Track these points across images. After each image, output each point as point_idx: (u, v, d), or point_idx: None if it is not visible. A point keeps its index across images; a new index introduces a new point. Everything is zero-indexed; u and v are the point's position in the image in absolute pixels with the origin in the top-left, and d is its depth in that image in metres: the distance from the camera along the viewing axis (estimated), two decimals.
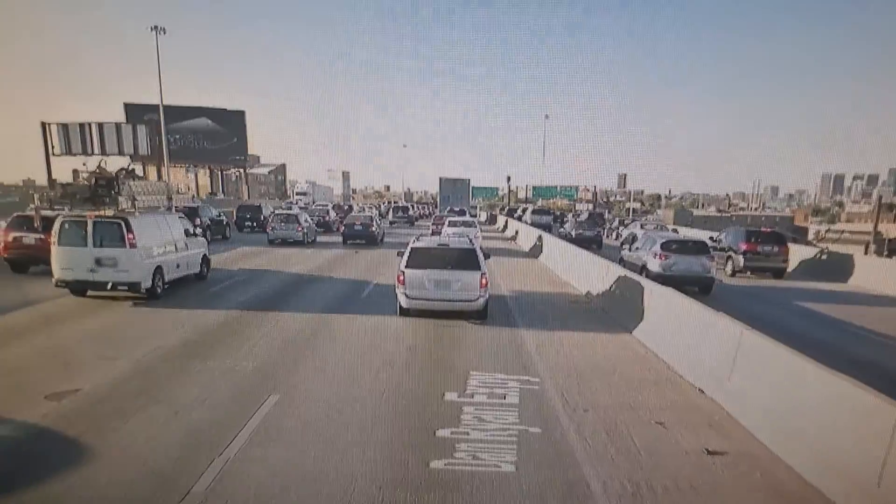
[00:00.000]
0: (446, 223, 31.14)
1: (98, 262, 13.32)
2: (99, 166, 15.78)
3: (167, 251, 14.88)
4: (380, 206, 73.23)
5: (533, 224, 41.37)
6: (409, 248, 13.24)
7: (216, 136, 65.65)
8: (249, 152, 72.52)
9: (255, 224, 35.65)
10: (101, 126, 50.95)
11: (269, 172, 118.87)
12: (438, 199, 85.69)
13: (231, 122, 66.31)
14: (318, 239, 32.04)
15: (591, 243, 32.20)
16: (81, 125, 50.51)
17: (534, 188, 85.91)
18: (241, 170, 76.14)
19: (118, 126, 52.00)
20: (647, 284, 12.83)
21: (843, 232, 64.03)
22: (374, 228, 30.74)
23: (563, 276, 20.58)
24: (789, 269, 23.93)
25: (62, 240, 13.40)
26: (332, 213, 41.72)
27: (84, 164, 17.55)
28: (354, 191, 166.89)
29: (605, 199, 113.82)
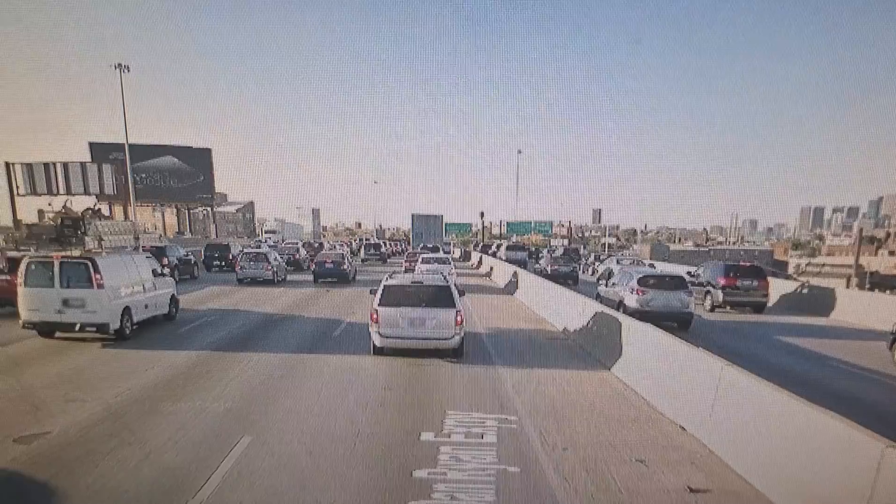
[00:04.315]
0: (420, 260, 31.08)
1: (65, 303, 13.09)
2: (65, 206, 15.67)
3: (135, 291, 14.68)
4: (351, 243, 73.07)
5: (507, 260, 41.06)
6: (382, 286, 13.08)
7: (182, 175, 64.85)
8: (216, 190, 71.99)
9: (223, 263, 35.28)
10: (66, 166, 50.24)
11: (236, 210, 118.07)
12: (411, 236, 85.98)
13: (197, 160, 65.45)
14: (289, 277, 31.82)
15: (566, 279, 32.23)
16: (46, 165, 49.70)
17: (508, 224, 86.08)
18: (209, 208, 75.34)
19: (83, 166, 51.34)
20: (625, 320, 12.69)
21: (823, 265, 65.05)
22: (345, 266, 30.45)
23: (539, 313, 20.59)
24: (770, 304, 23.78)
25: (29, 281, 13.17)
26: (303, 251, 41.49)
27: (50, 205, 17.45)
28: (325, 228, 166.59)
29: (580, 235, 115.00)
